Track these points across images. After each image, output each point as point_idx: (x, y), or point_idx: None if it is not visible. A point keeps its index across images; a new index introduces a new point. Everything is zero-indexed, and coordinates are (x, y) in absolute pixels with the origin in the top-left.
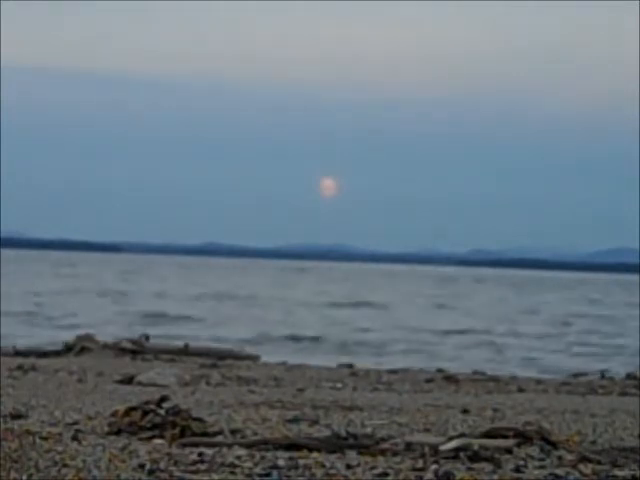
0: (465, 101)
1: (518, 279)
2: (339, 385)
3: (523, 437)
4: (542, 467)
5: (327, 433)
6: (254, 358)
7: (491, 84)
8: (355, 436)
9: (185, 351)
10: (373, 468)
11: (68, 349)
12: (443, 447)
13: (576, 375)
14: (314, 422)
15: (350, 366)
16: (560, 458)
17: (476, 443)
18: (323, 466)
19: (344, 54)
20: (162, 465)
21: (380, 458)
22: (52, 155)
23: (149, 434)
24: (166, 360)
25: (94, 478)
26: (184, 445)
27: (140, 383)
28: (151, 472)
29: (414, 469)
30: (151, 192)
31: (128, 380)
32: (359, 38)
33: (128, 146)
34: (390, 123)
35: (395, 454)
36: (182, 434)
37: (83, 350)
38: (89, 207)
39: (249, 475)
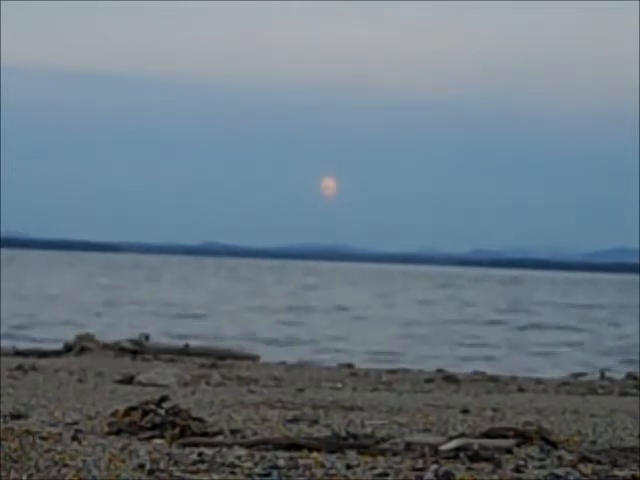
0: (465, 101)
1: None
2: (339, 385)
3: (523, 437)
4: (542, 467)
5: (327, 433)
6: (254, 358)
7: (491, 84)
8: (355, 436)
9: (185, 351)
10: (373, 468)
11: (68, 349)
12: (443, 447)
13: (576, 375)
14: (314, 422)
15: (350, 366)
16: (560, 458)
17: (476, 443)
18: (323, 466)
19: (344, 54)
20: (162, 465)
21: (380, 458)
22: (52, 155)
23: (149, 434)
24: (166, 360)
25: (94, 478)
26: (184, 445)
27: (140, 383)
28: (151, 472)
29: (414, 469)
30: (151, 192)
31: (128, 380)
32: (359, 38)
33: (128, 146)
34: (390, 123)
35: (395, 454)
36: (182, 434)
37: (83, 350)
38: (89, 207)
39: (249, 475)
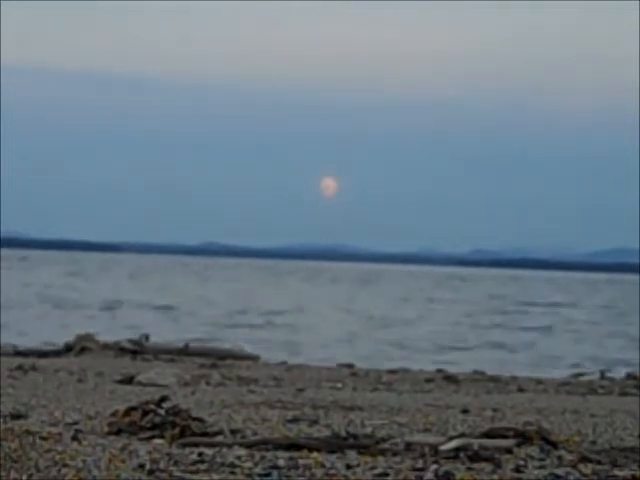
0: (466, 100)
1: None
2: (339, 385)
3: (523, 437)
4: (542, 467)
5: (327, 433)
6: (254, 358)
7: (491, 83)
8: (355, 436)
9: (185, 351)
10: (373, 468)
11: (68, 349)
12: (443, 447)
13: (576, 375)
14: (314, 422)
15: (350, 366)
16: (560, 458)
17: (476, 443)
18: (323, 466)
19: (344, 54)
20: (162, 465)
21: (380, 458)
22: (52, 155)
23: (149, 434)
24: (166, 360)
25: (94, 478)
26: (184, 445)
27: (140, 383)
28: (151, 472)
29: (414, 469)
30: (151, 192)
31: (128, 380)
32: (359, 38)
33: (128, 146)
34: (391, 123)
35: (395, 454)
36: (182, 434)
37: (83, 350)
38: (89, 207)
39: (249, 475)
